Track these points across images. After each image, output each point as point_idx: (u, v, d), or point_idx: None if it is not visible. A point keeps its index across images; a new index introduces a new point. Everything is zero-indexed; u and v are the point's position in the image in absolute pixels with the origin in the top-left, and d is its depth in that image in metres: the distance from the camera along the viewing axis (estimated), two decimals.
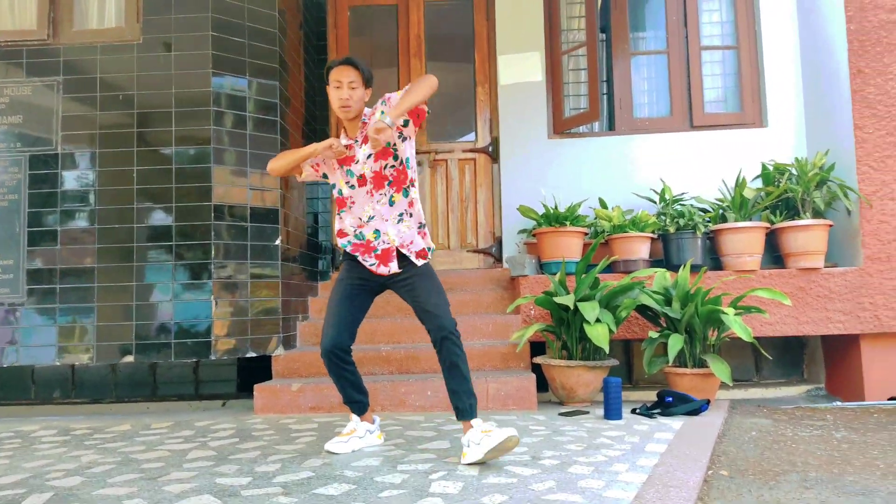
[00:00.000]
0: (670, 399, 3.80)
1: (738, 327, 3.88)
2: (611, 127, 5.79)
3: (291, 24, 5.09)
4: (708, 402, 3.84)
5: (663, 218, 4.88)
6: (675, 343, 3.88)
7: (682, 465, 2.64)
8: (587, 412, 3.85)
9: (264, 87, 4.54)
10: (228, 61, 4.41)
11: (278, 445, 3.12)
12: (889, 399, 4.44)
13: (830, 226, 4.67)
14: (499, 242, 5.66)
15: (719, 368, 3.85)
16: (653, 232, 4.84)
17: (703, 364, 4.07)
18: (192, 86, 4.37)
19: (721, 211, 4.86)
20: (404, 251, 2.98)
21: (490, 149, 5.77)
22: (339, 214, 3.11)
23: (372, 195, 2.99)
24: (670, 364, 4.08)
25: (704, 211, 5.00)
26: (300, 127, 5.19)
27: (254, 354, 4.33)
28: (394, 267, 3.00)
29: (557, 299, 4.04)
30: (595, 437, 3.17)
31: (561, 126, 5.64)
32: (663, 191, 5.05)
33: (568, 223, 4.77)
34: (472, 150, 5.80)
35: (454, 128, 5.87)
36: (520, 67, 5.68)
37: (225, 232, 4.29)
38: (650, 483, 2.37)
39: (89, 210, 4.31)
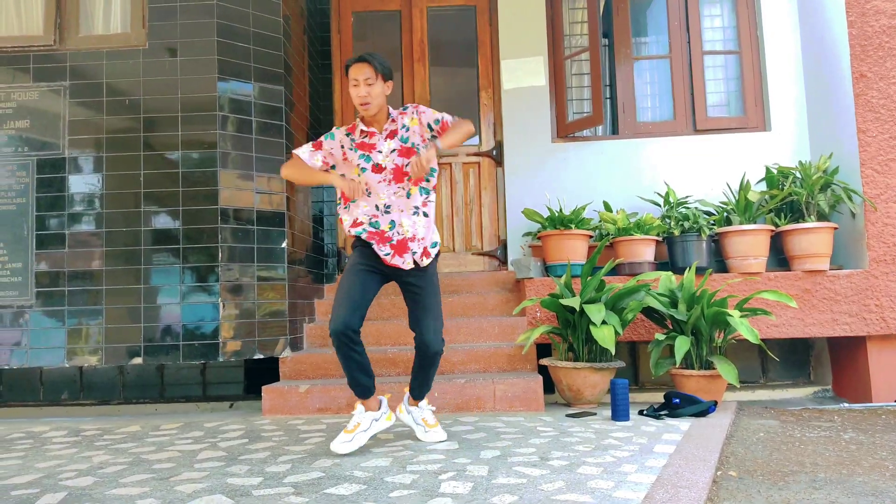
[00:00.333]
0: (677, 400, 3.81)
1: (745, 329, 3.89)
2: (614, 131, 5.82)
3: (296, 30, 5.12)
4: (715, 403, 3.85)
5: (668, 221, 4.90)
6: (682, 345, 3.89)
7: (690, 465, 2.65)
8: (594, 413, 3.86)
9: (269, 92, 4.56)
10: (234, 66, 4.44)
11: (288, 446, 3.13)
12: None
13: (835, 228, 4.68)
14: (503, 245, 5.68)
15: (726, 370, 3.86)
16: (658, 235, 4.86)
17: (709, 366, 4.08)
18: (197, 91, 4.40)
19: (726, 214, 4.88)
20: (414, 245, 3.07)
21: (494, 153, 5.79)
22: (348, 205, 3.12)
23: (389, 184, 3.06)
24: (677, 366, 4.09)
25: (709, 214, 5.01)
26: (305, 131, 5.22)
27: (261, 356, 4.34)
28: (408, 260, 3.06)
29: (563, 301, 4.06)
30: (603, 438, 3.17)
31: (564, 130, 5.66)
32: (667, 194, 5.07)
33: (573, 226, 4.79)
34: (476, 154, 5.82)
35: None
36: (523, 72, 5.71)
37: (231, 235, 4.31)
38: (659, 483, 2.38)
39: (96, 213, 4.33)
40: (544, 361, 4.26)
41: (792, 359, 5.22)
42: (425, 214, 3.12)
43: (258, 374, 4.99)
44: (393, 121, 3.13)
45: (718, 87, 5.76)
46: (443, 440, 3.16)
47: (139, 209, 4.32)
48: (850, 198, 4.68)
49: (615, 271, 4.81)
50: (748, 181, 4.89)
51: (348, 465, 2.72)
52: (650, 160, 5.53)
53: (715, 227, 4.82)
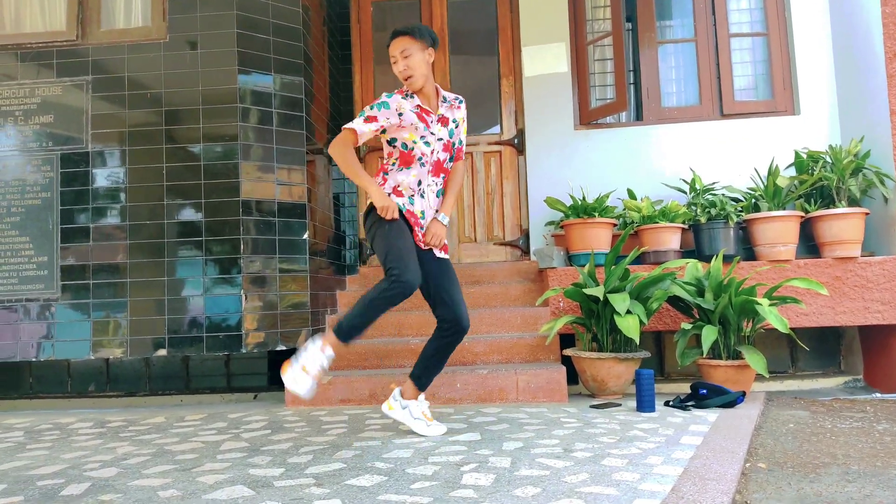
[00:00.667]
0: (704, 391, 3.73)
1: (774, 318, 3.80)
2: (638, 117, 5.72)
3: (315, 21, 5.09)
4: (743, 394, 3.77)
5: (694, 208, 4.81)
6: (709, 334, 3.81)
7: (718, 457, 2.59)
8: (619, 405, 3.81)
9: (289, 83, 4.55)
10: (254, 58, 4.43)
11: (310, 437, 3.12)
12: None
13: (867, 214, 4.56)
14: (526, 235, 5.63)
15: (755, 360, 3.78)
16: (683, 222, 4.77)
17: (737, 355, 3.99)
18: (218, 83, 4.39)
19: (754, 200, 4.77)
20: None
21: (516, 141, 5.73)
22: (401, 169, 3.02)
23: (428, 173, 3.05)
24: (704, 356, 4.01)
25: (736, 200, 4.91)
26: (325, 122, 5.20)
27: (283, 348, 4.35)
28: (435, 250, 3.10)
29: (587, 291, 4.00)
30: (628, 429, 3.12)
31: (587, 117, 5.57)
32: (693, 180, 4.97)
33: (596, 214, 4.72)
34: (497, 143, 5.76)
35: (479, 120, 5.83)
36: (544, 59, 5.63)
37: (253, 227, 4.31)
38: (686, 476, 2.33)
39: (120, 207, 4.36)
40: (568, 352, 4.21)
41: (822, 348, 5.11)
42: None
43: (281, 364, 5.00)
44: (448, 105, 3.09)
45: (746, 71, 5.63)
46: (443, 432, 3.08)
47: (162, 202, 4.34)
48: (882, 182, 4.55)
49: (640, 260, 4.74)
50: (777, 166, 4.78)
51: (370, 456, 2.71)
52: (675, 146, 5.43)
53: (743, 213, 4.72)
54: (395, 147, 3.07)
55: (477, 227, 5.71)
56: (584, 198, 4.86)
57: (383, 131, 3.03)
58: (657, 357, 5.08)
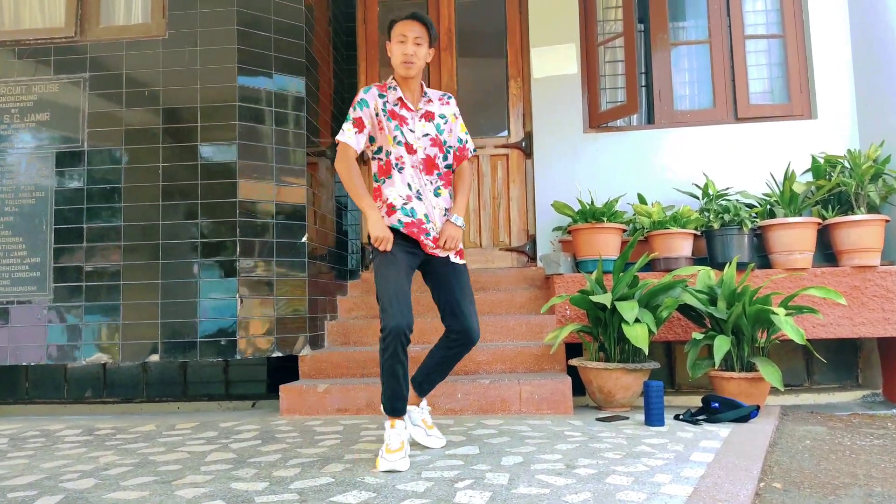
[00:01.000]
0: (716, 405, 3.57)
1: (790, 328, 3.63)
2: (650, 120, 5.56)
3: (320, 20, 4.98)
4: (757, 408, 3.60)
5: (707, 214, 4.64)
6: (722, 345, 3.64)
7: (730, 476, 2.43)
8: (626, 417, 3.64)
9: (290, 83, 4.43)
10: (254, 56, 4.32)
11: (300, 448, 2.98)
12: None
13: (887, 221, 4.37)
14: (533, 241, 5.47)
15: (769, 372, 3.60)
16: (695, 228, 4.61)
17: (751, 367, 3.82)
18: (217, 81, 4.28)
19: (769, 206, 4.61)
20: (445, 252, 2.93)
21: (523, 144, 5.58)
22: (383, 182, 2.89)
23: (420, 173, 2.89)
24: (716, 367, 3.84)
25: (750, 206, 4.73)
26: (328, 123, 5.08)
27: (280, 354, 4.21)
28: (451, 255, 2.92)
29: (594, 298, 3.84)
30: (635, 444, 2.96)
31: (597, 120, 5.42)
32: (706, 185, 4.80)
33: (605, 219, 4.56)
34: (504, 146, 5.62)
35: (486, 123, 5.70)
36: (554, 60, 5.49)
37: (250, 229, 4.19)
38: (696, 496, 2.17)
39: (115, 207, 4.25)
40: (573, 362, 4.05)
41: (839, 360, 4.91)
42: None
43: (282, 372, 4.87)
44: (429, 100, 2.95)
45: (761, 73, 5.46)
46: (442, 445, 2.94)
47: (157, 203, 4.23)
48: None
49: (650, 267, 4.58)
50: (793, 171, 4.60)
51: (360, 470, 2.57)
52: (688, 150, 5.26)
53: (757, 219, 4.55)
54: (376, 159, 2.93)
55: (482, 232, 5.57)
56: (592, 202, 4.70)
57: (371, 140, 2.91)
58: (667, 368, 4.90)
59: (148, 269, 4.18)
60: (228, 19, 4.31)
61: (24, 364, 4.25)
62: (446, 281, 2.89)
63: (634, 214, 4.80)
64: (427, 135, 2.90)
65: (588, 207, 4.63)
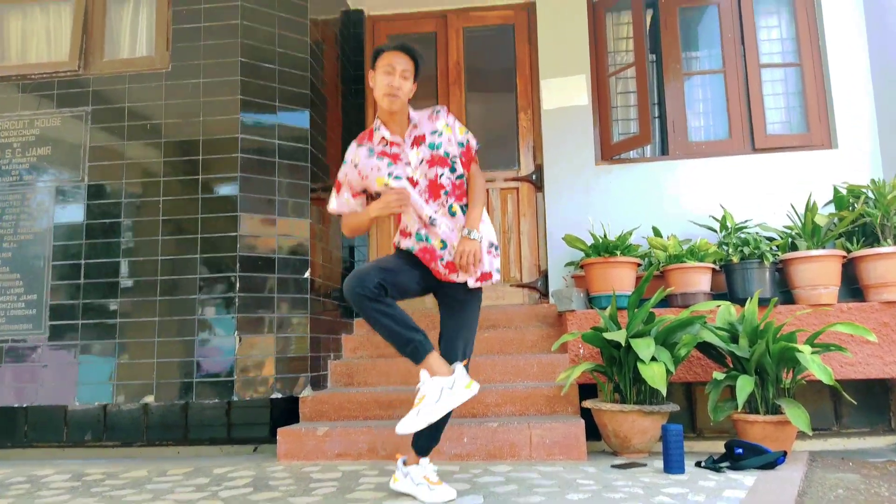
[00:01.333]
0: (740, 450, 3.33)
1: (817, 367, 3.41)
2: (664, 151, 5.41)
3: (329, 56, 4.93)
4: (784, 453, 3.36)
5: (725, 247, 4.45)
6: (745, 385, 3.43)
7: None
8: (644, 464, 3.42)
9: (294, 115, 4.34)
10: (258, 88, 4.24)
11: (293, 498, 2.79)
12: None
13: None
14: (544, 276, 5.30)
15: (796, 414, 3.37)
16: (714, 262, 4.42)
17: (776, 410, 3.59)
18: (220, 113, 4.20)
19: (790, 239, 4.41)
20: (461, 277, 2.76)
21: (534, 177, 5.45)
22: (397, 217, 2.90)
23: (427, 202, 2.73)
24: (739, 410, 3.61)
25: (770, 239, 4.54)
26: (336, 157, 4.98)
27: (279, 396, 4.04)
28: (463, 277, 2.73)
29: (607, 335, 3.65)
30: (653, 494, 2.74)
31: (609, 151, 5.29)
32: (724, 218, 4.63)
33: (619, 253, 4.38)
34: (514, 179, 5.48)
35: (495, 156, 5.57)
36: (564, 91, 5.38)
37: (251, 264, 4.06)
38: None
39: (114, 243, 4.15)
40: (587, 403, 3.84)
41: (868, 402, 4.64)
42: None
43: (287, 415, 4.68)
44: (415, 126, 2.81)
45: (778, 103, 5.31)
46: (452, 498, 2.69)
47: (157, 237, 4.11)
48: None
49: (666, 303, 4.38)
50: (814, 202, 4.42)
51: None
52: (704, 182, 5.10)
53: (779, 253, 4.36)
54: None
55: None
56: (605, 235, 4.54)
57: (364, 191, 2.86)
58: (688, 412, 4.65)
59: (144, 306, 4.05)
60: (232, 51, 4.24)
61: (16, 406, 4.11)
62: (449, 310, 2.81)
63: (650, 248, 4.62)
64: (423, 160, 2.76)
65: (601, 241, 4.46)
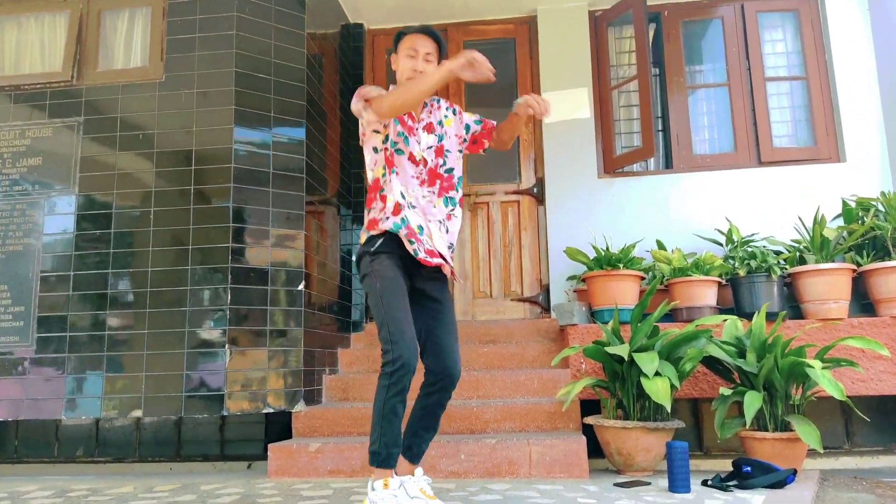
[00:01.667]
0: (748, 469, 3.19)
1: (828, 383, 3.28)
2: (668, 165, 5.32)
3: (328, 69, 4.89)
4: (794, 472, 3.22)
5: (731, 261, 4.34)
6: (753, 401, 3.29)
7: None
8: (648, 483, 3.27)
9: (290, 126, 4.27)
10: (253, 99, 4.17)
11: None
12: None
13: None
14: (546, 290, 5.18)
15: (807, 432, 3.23)
16: (720, 276, 4.30)
17: (786, 427, 3.45)
18: (213, 124, 4.13)
19: (798, 253, 4.30)
20: (438, 260, 2.65)
21: (535, 190, 5.36)
22: (384, 175, 2.65)
23: (421, 185, 2.67)
24: (747, 427, 3.47)
25: (778, 253, 4.43)
26: (334, 170, 4.91)
27: (271, 410, 3.92)
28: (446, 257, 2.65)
29: (610, 349, 3.53)
30: None
31: (612, 165, 5.20)
32: (730, 231, 4.52)
33: (622, 266, 4.27)
34: (515, 192, 5.39)
35: (496, 169, 5.49)
36: (566, 104, 5.30)
37: (243, 276, 3.96)
38: None
39: (104, 254, 4.06)
40: (589, 420, 3.71)
41: (881, 420, 4.48)
42: (447, 230, 2.71)
43: (283, 430, 4.56)
44: (429, 112, 2.75)
45: (784, 116, 5.22)
46: None
47: (147, 249, 4.02)
48: None
49: (670, 317, 4.26)
50: (823, 215, 4.31)
51: None
52: (709, 195, 5.00)
53: (787, 266, 4.24)
54: (378, 152, 2.70)
55: (493, 282, 5.29)
56: (607, 248, 4.43)
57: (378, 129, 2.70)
58: (695, 429, 4.50)
59: (133, 318, 3.95)
60: (227, 62, 4.18)
61: (6, 420, 4.00)
62: (428, 312, 2.64)
63: (653, 261, 4.51)
64: (431, 147, 2.71)
65: (603, 254, 4.36)
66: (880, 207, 4.33)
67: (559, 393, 3.78)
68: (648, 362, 3.37)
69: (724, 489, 3.10)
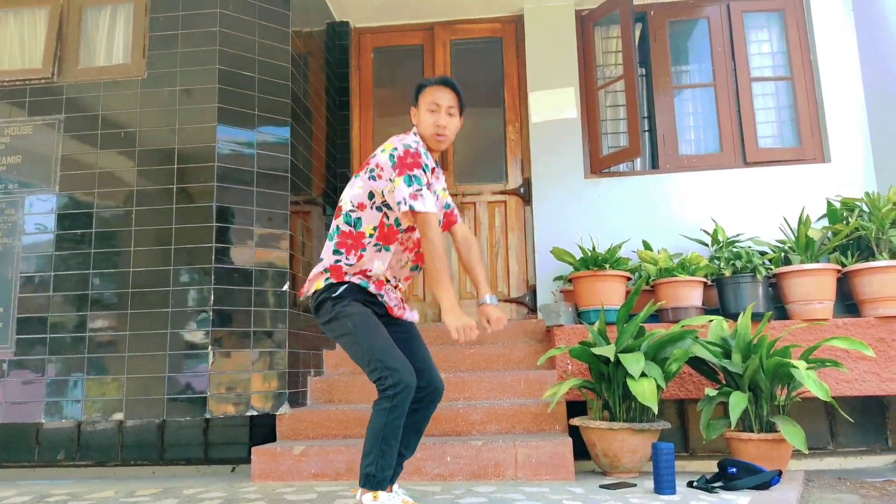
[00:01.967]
0: (734, 470, 3.19)
1: (813, 384, 3.28)
2: (654, 165, 5.32)
3: (313, 68, 4.84)
4: (779, 473, 3.22)
5: (717, 261, 4.34)
6: (738, 402, 3.29)
7: None
8: (634, 485, 3.27)
9: (275, 125, 4.22)
10: (236, 97, 4.12)
11: None
12: None
13: None
14: (533, 291, 5.17)
15: (792, 432, 3.24)
16: (705, 276, 4.30)
17: (771, 427, 3.45)
18: (196, 122, 4.08)
19: (783, 253, 4.31)
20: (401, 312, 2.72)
21: (522, 190, 5.34)
22: (377, 247, 2.54)
23: (405, 251, 2.65)
24: (732, 427, 3.47)
25: (763, 253, 4.43)
26: (319, 169, 4.86)
27: (254, 413, 3.87)
28: (408, 313, 2.72)
29: (596, 350, 3.52)
30: None
31: (598, 165, 5.19)
32: (716, 231, 4.52)
33: (608, 266, 4.27)
34: (502, 192, 5.38)
35: (483, 170, 5.47)
36: (553, 104, 5.29)
37: (227, 276, 3.91)
38: None
39: (85, 254, 3.99)
40: (575, 421, 3.70)
41: (865, 421, 4.50)
42: (401, 288, 2.78)
43: (267, 433, 4.51)
44: (437, 178, 2.72)
45: (770, 117, 5.24)
46: None
47: (129, 249, 3.97)
48: None
49: (656, 317, 4.26)
50: (808, 216, 4.32)
51: None
52: (695, 196, 5.00)
53: (772, 267, 4.25)
54: (381, 213, 2.55)
55: None
56: (594, 248, 4.42)
57: (387, 206, 2.57)
58: (681, 430, 4.50)
59: (115, 319, 3.89)
60: (210, 59, 4.13)
61: None
62: (401, 333, 2.63)
63: (640, 262, 4.51)
64: (438, 197, 2.72)
65: (590, 254, 4.35)
66: (865, 208, 4.35)
67: (545, 394, 3.76)
68: (634, 363, 3.36)
69: (710, 490, 3.10)
